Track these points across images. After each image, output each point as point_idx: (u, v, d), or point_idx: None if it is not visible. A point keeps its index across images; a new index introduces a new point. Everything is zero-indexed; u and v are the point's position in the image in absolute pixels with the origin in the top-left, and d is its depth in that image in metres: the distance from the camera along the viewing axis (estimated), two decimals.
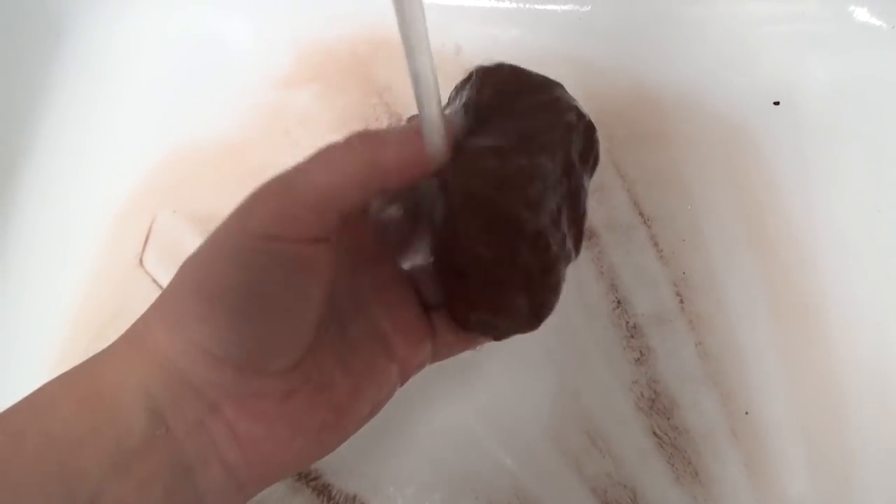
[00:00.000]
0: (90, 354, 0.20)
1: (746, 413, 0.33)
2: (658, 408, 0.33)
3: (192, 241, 0.37)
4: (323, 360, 0.21)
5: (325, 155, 0.19)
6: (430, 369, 0.26)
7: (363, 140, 0.19)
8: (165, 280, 0.36)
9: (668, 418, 0.33)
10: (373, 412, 0.23)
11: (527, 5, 0.43)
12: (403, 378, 0.24)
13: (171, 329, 0.19)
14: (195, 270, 0.19)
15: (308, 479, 0.32)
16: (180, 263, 0.20)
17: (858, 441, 0.33)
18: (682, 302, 0.35)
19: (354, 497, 0.32)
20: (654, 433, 0.33)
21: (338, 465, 0.32)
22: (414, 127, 0.20)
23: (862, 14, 0.41)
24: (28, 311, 0.38)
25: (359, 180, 0.19)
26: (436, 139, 0.20)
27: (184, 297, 0.19)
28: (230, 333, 0.18)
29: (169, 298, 0.20)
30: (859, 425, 0.33)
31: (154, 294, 0.20)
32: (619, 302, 0.35)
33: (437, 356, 0.25)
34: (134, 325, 0.20)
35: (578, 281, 0.36)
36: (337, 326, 0.22)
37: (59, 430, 0.18)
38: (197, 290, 0.19)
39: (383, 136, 0.19)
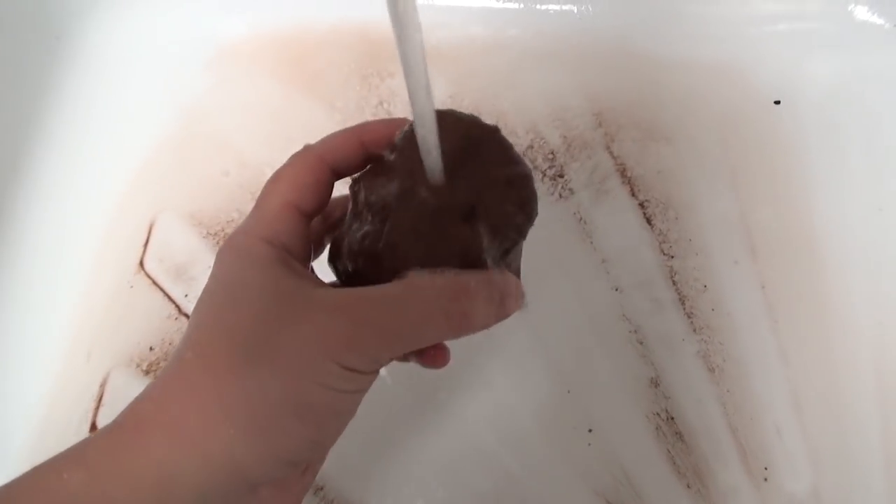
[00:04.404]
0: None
1: (751, 418, 0.33)
2: (664, 414, 0.33)
3: (193, 243, 0.37)
4: None
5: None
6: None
7: None
8: (167, 282, 0.36)
9: (675, 427, 0.33)
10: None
11: (526, 5, 0.43)
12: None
13: (254, 439, 0.18)
14: (282, 386, 0.19)
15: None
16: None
17: (863, 441, 0.33)
18: (683, 302, 0.35)
19: None
20: (658, 431, 0.33)
21: (341, 472, 0.33)
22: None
23: (862, 13, 0.41)
24: (29, 322, 0.37)
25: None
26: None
27: (273, 410, 0.18)
28: (311, 444, 0.20)
29: (243, 405, 0.18)
30: (862, 424, 0.33)
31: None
32: (622, 293, 0.35)
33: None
34: (167, 415, 0.18)
35: (583, 279, 0.36)
36: None
37: None
38: (293, 406, 0.19)
39: None
